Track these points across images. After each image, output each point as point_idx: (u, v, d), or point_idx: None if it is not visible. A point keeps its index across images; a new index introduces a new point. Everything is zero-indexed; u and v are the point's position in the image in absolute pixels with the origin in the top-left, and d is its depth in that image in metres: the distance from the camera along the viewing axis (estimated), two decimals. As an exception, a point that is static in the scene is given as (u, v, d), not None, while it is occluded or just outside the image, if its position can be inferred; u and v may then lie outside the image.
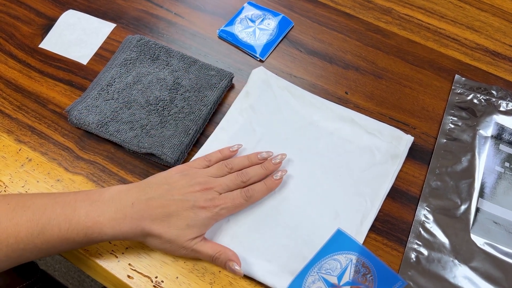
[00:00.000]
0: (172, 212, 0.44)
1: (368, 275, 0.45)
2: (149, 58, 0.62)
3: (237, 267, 0.46)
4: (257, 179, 0.50)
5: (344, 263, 0.46)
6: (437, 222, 0.52)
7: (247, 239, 0.50)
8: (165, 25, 0.67)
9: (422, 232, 0.51)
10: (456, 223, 0.52)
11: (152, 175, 0.48)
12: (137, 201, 0.45)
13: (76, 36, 0.65)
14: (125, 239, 0.49)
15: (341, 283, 0.45)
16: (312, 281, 0.45)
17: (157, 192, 0.45)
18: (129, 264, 0.49)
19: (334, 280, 0.45)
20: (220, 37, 0.66)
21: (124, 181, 0.54)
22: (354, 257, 0.46)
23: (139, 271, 0.48)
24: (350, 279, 0.45)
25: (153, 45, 0.62)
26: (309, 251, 0.48)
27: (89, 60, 0.63)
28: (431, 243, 0.51)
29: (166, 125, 0.56)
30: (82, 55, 0.64)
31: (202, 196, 0.46)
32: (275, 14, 0.67)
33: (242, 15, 0.67)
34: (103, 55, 0.64)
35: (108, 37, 0.65)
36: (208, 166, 0.50)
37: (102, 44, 0.65)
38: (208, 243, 0.47)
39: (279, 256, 0.49)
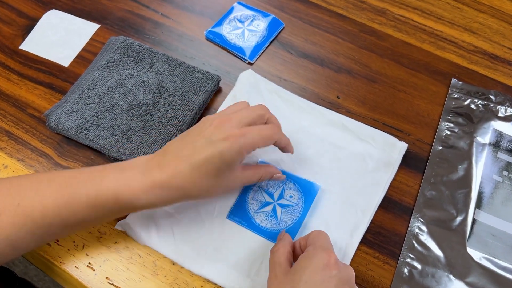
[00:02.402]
0: (196, 151, 0.42)
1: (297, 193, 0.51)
2: (132, 60, 0.59)
3: (280, 175, 0.50)
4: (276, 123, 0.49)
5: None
6: (431, 234, 0.49)
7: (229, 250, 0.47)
8: (151, 26, 0.64)
9: (416, 245, 0.49)
10: (452, 236, 0.49)
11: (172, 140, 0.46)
12: (160, 165, 0.42)
13: (58, 37, 0.63)
14: (155, 207, 0.44)
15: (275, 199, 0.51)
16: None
17: (180, 145, 0.43)
18: (107, 277, 0.47)
19: (269, 198, 0.51)
20: (207, 39, 0.63)
21: (103, 190, 0.51)
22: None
23: (117, 285, 0.46)
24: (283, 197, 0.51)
25: (137, 47, 0.60)
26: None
27: (71, 62, 0.61)
28: (425, 257, 0.48)
29: (148, 131, 0.53)
30: (64, 56, 0.61)
31: (223, 128, 0.43)
32: (265, 15, 0.65)
33: (231, 16, 0.65)
34: (85, 57, 0.61)
35: (91, 38, 0.63)
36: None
37: (85, 46, 0.62)
38: (250, 169, 0.47)
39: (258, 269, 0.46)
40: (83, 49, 0.62)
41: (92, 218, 0.42)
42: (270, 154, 0.54)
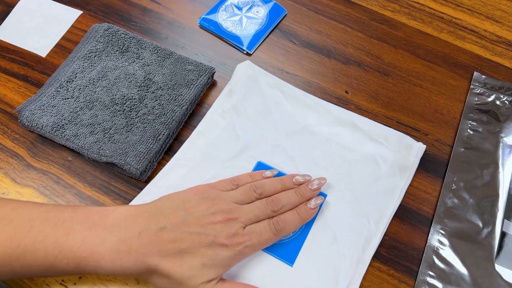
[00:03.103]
0: (186, 248, 0.36)
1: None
2: (117, 50, 0.53)
3: None
4: (289, 208, 0.42)
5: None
6: (454, 248, 0.43)
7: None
8: (139, 13, 0.58)
9: (436, 260, 0.43)
10: (477, 251, 0.43)
11: (166, 196, 0.40)
12: (146, 230, 0.36)
13: (35, 24, 0.57)
14: (124, 275, 0.40)
15: None
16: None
17: (171, 221, 0.37)
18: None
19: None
20: (201, 27, 0.57)
21: (80, 196, 0.45)
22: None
23: (94, 306, 0.40)
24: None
25: (123, 35, 0.54)
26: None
27: (49, 52, 0.55)
28: (447, 275, 0.42)
29: (133, 129, 0.47)
30: (41, 46, 0.55)
31: (224, 230, 0.37)
32: (266, 1, 0.58)
33: (227, 2, 0.58)
34: (65, 46, 0.55)
35: (72, 26, 0.57)
36: (234, 190, 0.42)
37: (65, 34, 0.56)
38: (227, 284, 0.38)
39: None
40: (63, 38, 0.56)
41: (47, 275, 0.37)
42: (269, 156, 0.48)
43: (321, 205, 0.44)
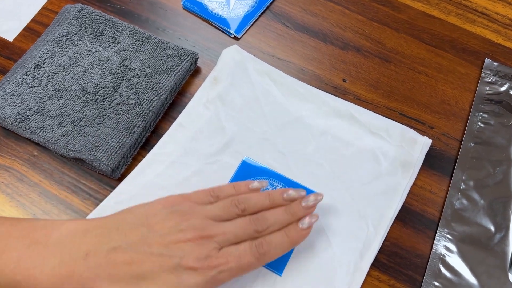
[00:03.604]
0: (144, 273, 0.30)
1: None
2: (91, 34, 0.48)
3: None
4: (277, 228, 0.35)
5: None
6: (462, 255, 0.39)
7: None
8: (117, -7, 0.53)
9: (443, 269, 0.38)
10: (489, 258, 0.38)
11: (128, 208, 0.34)
12: (95, 251, 0.31)
13: (2, 6, 0.52)
14: None
15: None
16: None
17: (127, 239, 0.31)
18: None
19: None
20: (185, 8, 0.52)
21: (46, 195, 0.41)
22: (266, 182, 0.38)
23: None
24: None
25: (98, 17, 0.49)
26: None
27: (17, 36, 0.50)
28: (455, 286, 0.37)
29: (105, 120, 0.42)
30: (8, 29, 0.50)
31: (194, 251, 0.31)
32: (256, -20, 0.53)
33: (214, -19, 0.53)
34: (35, 29, 0.50)
35: (43, 7, 0.52)
36: (213, 203, 0.35)
37: (35, 16, 0.51)
38: None
39: None
40: (33, 20, 0.51)
41: None
42: (257, 151, 0.43)
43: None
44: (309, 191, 0.40)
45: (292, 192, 0.36)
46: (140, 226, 0.32)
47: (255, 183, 0.37)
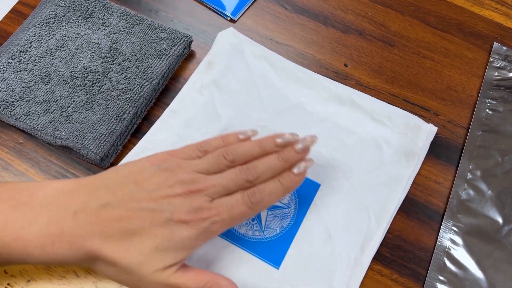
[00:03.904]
0: (135, 228, 0.30)
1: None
2: (80, 16, 0.46)
3: None
4: (269, 176, 0.33)
5: None
6: (468, 249, 0.37)
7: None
8: (108, -27, 0.50)
9: (448, 263, 0.36)
10: (496, 251, 0.37)
11: (114, 167, 0.33)
12: (84, 208, 0.30)
13: (-13, -14, 0.49)
14: (62, 264, 0.34)
15: None
16: None
17: (116, 196, 0.30)
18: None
19: None
20: (179, -11, 0.49)
21: (32, 185, 0.39)
22: None
23: (44, 315, 0.34)
24: None
25: (87, -2, 0.46)
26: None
27: (3, 19, 0.48)
28: (460, 280, 0.36)
29: (94, 107, 0.40)
30: (-6, 11, 0.48)
31: (184, 204, 0.30)
32: (254, -41, 0.50)
33: (210, -39, 0.50)
34: (22, 11, 0.48)
35: (30, -12, 0.49)
36: (201, 157, 0.34)
37: (22, -3, 0.49)
38: (190, 272, 0.31)
39: None
40: (19, 2, 0.49)
41: None
42: (253, 138, 0.41)
43: (313, 196, 0.38)
44: (307, 180, 0.39)
45: (286, 136, 0.34)
46: (128, 183, 0.31)
47: (246, 132, 0.35)
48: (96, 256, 0.29)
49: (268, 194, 0.32)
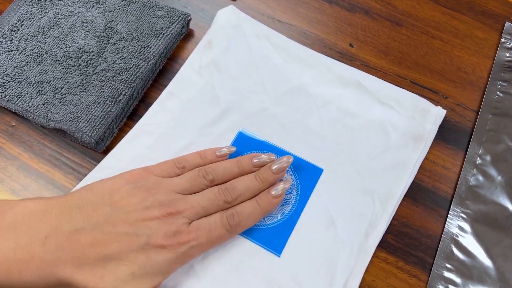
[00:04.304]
0: (111, 254, 0.28)
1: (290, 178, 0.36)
2: (73, -7, 0.44)
3: None
4: (249, 197, 0.33)
5: None
6: (477, 236, 0.36)
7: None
8: (103, -52, 0.48)
9: (455, 250, 0.35)
10: (506, 239, 0.35)
11: (89, 185, 0.31)
12: (55, 232, 0.28)
13: (-23, -38, 0.47)
14: None
15: None
16: None
17: (91, 220, 0.29)
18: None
19: None
20: (177, -35, 0.47)
21: (26, 169, 0.37)
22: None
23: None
24: None
25: (81, -26, 0.44)
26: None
27: (-7, -4, 0.45)
28: (468, 268, 0.34)
29: (88, 88, 0.39)
30: (-16, -12, 0.46)
31: (161, 228, 0.30)
32: None
33: None
34: (13, -12, 0.46)
35: (21, -36, 0.47)
36: (179, 175, 0.34)
37: (13, -27, 0.46)
38: None
39: None
40: (11, -22, 0.46)
41: None
42: (255, 122, 0.39)
43: (316, 181, 0.37)
44: (310, 165, 0.37)
45: (262, 157, 0.34)
46: (103, 205, 0.30)
47: (223, 149, 0.35)
48: (68, 283, 0.28)
49: (246, 217, 0.32)
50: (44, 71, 0.40)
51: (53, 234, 0.28)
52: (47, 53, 0.41)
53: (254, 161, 0.34)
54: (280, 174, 0.34)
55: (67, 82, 0.39)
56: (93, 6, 0.43)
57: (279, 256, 0.34)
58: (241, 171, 0.34)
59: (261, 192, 0.34)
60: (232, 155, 0.36)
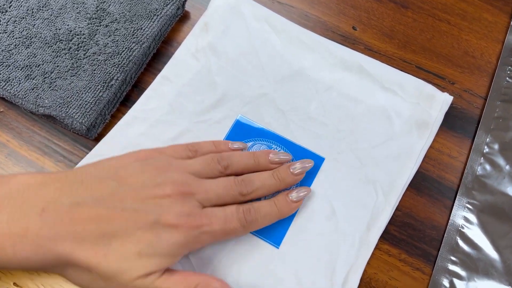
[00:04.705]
0: (115, 231, 0.26)
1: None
2: (63, -28, 0.42)
3: None
4: (264, 194, 0.32)
5: None
6: (483, 227, 0.34)
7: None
8: None
9: (460, 242, 0.34)
10: (513, 230, 0.34)
11: (94, 162, 0.29)
12: (54, 206, 0.26)
13: None
14: (26, 269, 0.30)
15: None
16: None
17: (94, 193, 0.27)
18: (14, 283, 0.32)
19: None
20: None
21: (15, 156, 0.36)
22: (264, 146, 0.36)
23: (28, 295, 0.32)
24: None
25: (71, -47, 0.42)
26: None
27: (-20, -25, 0.43)
28: (474, 261, 0.33)
29: (79, 72, 0.37)
30: (-30, -33, 0.44)
31: (174, 206, 0.28)
32: None
33: None
34: (1, -33, 0.44)
35: None
36: (192, 158, 0.32)
37: (0, -48, 0.44)
38: (176, 276, 0.28)
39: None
40: (-2, -43, 0.44)
41: None
42: (254, 108, 0.38)
43: (317, 171, 0.35)
44: (310, 154, 0.36)
45: (280, 155, 0.33)
46: (109, 179, 0.28)
47: (237, 144, 0.34)
48: (67, 261, 0.26)
49: (263, 216, 0.31)
50: (33, 55, 0.38)
51: (51, 207, 0.26)
52: (36, 36, 0.39)
53: (271, 156, 0.33)
54: (299, 177, 0.33)
55: (57, 66, 0.38)
56: (84, -14, 0.41)
57: (278, 248, 0.33)
58: (256, 164, 0.33)
59: (278, 193, 0.33)
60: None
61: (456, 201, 0.35)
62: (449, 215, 0.35)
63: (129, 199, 0.27)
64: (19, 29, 0.39)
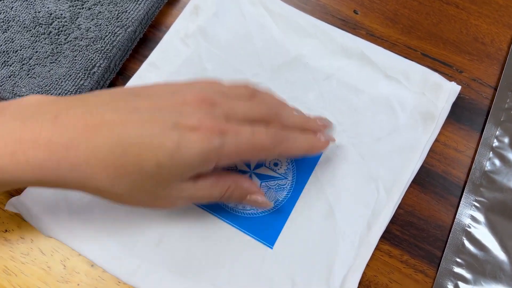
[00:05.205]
0: (131, 137, 0.24)
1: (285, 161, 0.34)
2: (43, -50, 0.39)
3: (260, 198, 0.30)
4: (291, 126, 0.30)
5: None
6: (491, 227, 0.32)
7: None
8: None
9: (467, 243, 0.32)
10: (523, 230, 0.32)
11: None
12: (66, 113, 0.24)
13: None
14: (43, 183, 0.26)
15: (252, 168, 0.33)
16: None
17: (108, 104, 0.25)
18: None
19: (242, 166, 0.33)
20: None
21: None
22: None
23: None
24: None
25: None
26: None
27: (-45, -47, 0.40)
28: (481, 263, 0.31)
29: (59, 58, 0.35)
30: None
31: (195, 111, 0.25)
32: None
33: None
34: None
35: None
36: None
37: None
38: (209, 179, 0.27)
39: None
40: None
41: None
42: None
43: (314, 165, 0.33)
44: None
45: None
46: (125, 94, 0.26)
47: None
48: (81, 175, 0.24)
49: (292, 141, 0.28)
50: (10, 39, 0.35)
51: (64, 114, 0.24)
52: (14, 19, 0.36)
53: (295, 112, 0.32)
54: (322, 127, 0.32)
55: (36, 52, 0.35)
56: (66, -35, 0.38)
57: (271, 248, 0.31)
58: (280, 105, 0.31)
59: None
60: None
61: (462, 198, 0.33)
62: (455, 214, 0.33)
63: (145, 106, 0.25)
64: (-4, 11, 0.36)
